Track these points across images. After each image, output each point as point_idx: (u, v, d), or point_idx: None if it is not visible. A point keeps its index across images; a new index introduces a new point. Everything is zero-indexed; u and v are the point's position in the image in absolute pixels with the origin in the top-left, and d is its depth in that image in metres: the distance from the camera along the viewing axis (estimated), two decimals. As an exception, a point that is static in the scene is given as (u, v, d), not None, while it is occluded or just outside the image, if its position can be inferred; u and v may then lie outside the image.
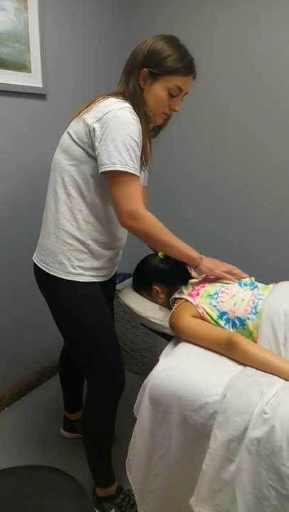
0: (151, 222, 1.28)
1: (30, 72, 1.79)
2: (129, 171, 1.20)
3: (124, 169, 1.20)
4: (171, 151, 2.26)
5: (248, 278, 1.46)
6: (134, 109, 1.25)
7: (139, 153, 1.25)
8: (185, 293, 1.43)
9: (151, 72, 1.26)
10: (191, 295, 1.40)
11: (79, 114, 1.31)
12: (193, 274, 1.61)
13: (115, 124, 1.19)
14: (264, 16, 1.85)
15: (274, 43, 1.86)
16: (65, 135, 1.33)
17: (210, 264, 1.43)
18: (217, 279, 1.44)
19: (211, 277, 1.48)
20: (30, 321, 2.13)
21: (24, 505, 0.93)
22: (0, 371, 2.07)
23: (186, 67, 1.28)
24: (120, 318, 2.30)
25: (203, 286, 1.42)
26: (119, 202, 1.24)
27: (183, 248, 1.37)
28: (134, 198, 1.24)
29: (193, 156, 2.24)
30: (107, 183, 1.26)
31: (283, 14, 1.81)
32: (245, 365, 1.18)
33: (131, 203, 1.24)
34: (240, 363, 1.19)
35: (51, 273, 1.37)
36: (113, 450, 1.53)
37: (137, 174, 1.24)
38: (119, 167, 1.19)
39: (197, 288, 1.42)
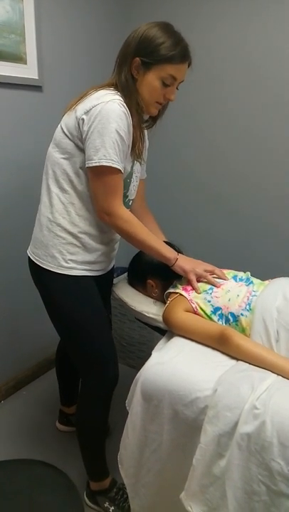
0: (126, 220, 1.29)
1: (25, 63, 1.77)
2: (113, 165, 1.20)
3: (108, 164, 1.19)
4: (170, 145, 2.25)
5: (243, 273, 1.45)
6: (126, 101, 1.23)
7: (123, 148, 1.24)
8: (180, 287, 1.42)
9: (143, 61, 1.23)
10: (185, 289, 1.39)
11: (71, 107, 1.29)
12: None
13: (102, 117, 1.18)
14: (265, 11, 1.83)
15: (275, 37, 1.83)
16: (58, 128, 1.32)
17: (186, 265, 1.40)
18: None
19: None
20: (27, 314, 2.12)
21: (13, 499, 0.93)
22: (-4, 364, 2.07)
23: (180, 54, 1.23)
24: (117, 312, 2.29)
25: (198, 281, 1.40)
26: (97, 196, 1.27)
27: (158, 248, 1.37)
28: (112, 194, 1.26)
29: (194, 151, 2.22)
30: (89, 175, 1.26)
31: (284, 9, 1.78)
32: (237, 359, 1.18)
33: (107, 199, 1.26)
34: (232, 358, 1.19)
35: (44, 266, 1.36)
36: (107, 444, 1.53)
37: (120, 168, 1.23)
38: (104, 162, 1.19)
39: None
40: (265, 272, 1.51)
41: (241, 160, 2.08)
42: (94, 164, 1.20)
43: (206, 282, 1.40)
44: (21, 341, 2.15)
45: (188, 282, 1.41)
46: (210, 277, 1.40)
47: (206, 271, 1.42)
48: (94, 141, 1.19)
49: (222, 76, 2.02)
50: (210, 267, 1.44)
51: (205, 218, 2.27)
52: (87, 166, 1.22)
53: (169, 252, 1.39)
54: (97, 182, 1.25)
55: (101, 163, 1.19)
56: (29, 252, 1.45)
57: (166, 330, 1.40)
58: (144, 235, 1.34)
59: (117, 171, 1.23)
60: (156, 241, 1.37)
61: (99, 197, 1.26)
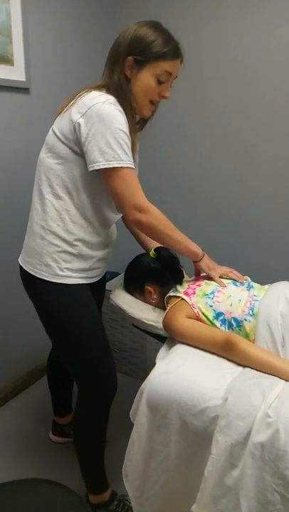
0: (157, 215, 1.27)
1: (12, 65, 1.71)
2: (125, 165, 1.17)
3: (120, 165, 1.17)
4: (161, 150, 2.21)
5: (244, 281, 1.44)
6: (119, 102, 1.21)
7: (130, 145, 1.22)
8: (181, 291, 1.39)
9: (136, 59, 1.22)
10: (186, 293, 1.37)
11: (62, 110, 1.26)
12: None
13: (102, 118, 1.15)
14: (254, 13, 1.83)
15: (264, 39, 1.83)
16: (50, 132, 1.28)
17: (209, 263, 1.44)
18: (210, 278, 1.42)
19: (204, 275, 1.45)
20: (16, 322, 2.06)
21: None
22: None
23: (173, 50, 1.23)
24: (108, 318, 2.25)
25: (199, 285, 1.39)
26: (124, 196, 1.22)
27: (186, 243, 1.37)
28: (137, 191, 1.23)
29: (184, 155, 2.19)
30: (101, 180, 1.22)
31: (273, 9, 1.79)
32: (244, 366, 1.16)
33: (135, 196, 1.22)
34: (238, 365, 1.17)
35: (38, 276, 1.31)
36: (105, 454, 1.49)
37: (133, 167, 1.21)
38: (114, 164, 1.16)
39: (193, 286, 1.39)
40: (260, 277, 1.50)
41: (235, 164, 2.06)
42: (103, 166, 1.16)
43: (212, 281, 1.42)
44: (10, 350, 2.09)
45: (193, 282, 1.42)
46: (232, 274, 1.44)
47: (221, 273, 1.45)
48: (98, 142, 1.15)
49: (210, 79, 2.01)
50: (227, 270, 1.47)
51: (198, 224, 2.24)
52: (92, 168, 1.18)
53: (196, 248, 1.39)
54: (116, 182, 1.20)
55: (112, 165, 1.16)
56: (21, 261, 1.40)
57: (167, 337, 1.38)
58: (173, 230, 1.32)
59: (131, 168, 1.20)
60: (183, 236, 1.35)
61: (125, 196, 1.22)
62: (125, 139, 1.18)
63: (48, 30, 1.86)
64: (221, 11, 1.90)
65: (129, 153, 1.20)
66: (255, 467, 0.98)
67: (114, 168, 1.17)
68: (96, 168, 1.17)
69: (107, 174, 1.20)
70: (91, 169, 1.18)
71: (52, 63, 1.91)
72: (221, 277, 1.43)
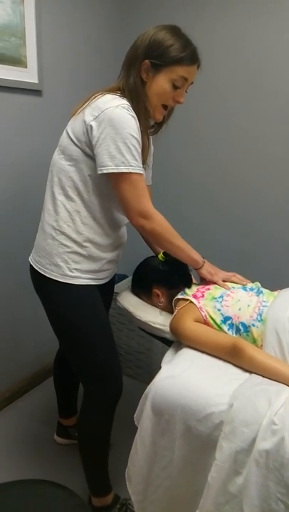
0: (161, 222, 1.28)
1: (25, 67, 1.73)
2: (133, 171, 1.18)
3: (128, 171, 1.17)
4: (169, 153, 2.22)
5: (252, 283, 1.43)
6: (134, 105, 1.22)
7: (140, 150, 1.22)
8: (189, 294, 1.39)
9: (153, 63, 1.22)
10: (195, 296, 1.36)
11: (76, 111, 1.26)
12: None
13: (114, 122, 1.15)
14: (264, 17, 1.82)
15: (274, 43, 1.83)
16: (64, 134, 1.29)
17: (211, 269, 1.44)
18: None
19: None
20: (24, 322, 2.07)
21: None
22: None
23: (190, 56, 1.23)
24: (115, 321, 2.25)
25: (208, 289, 1.38)
26: (129, 201, 1.22)
27: (188, 250, 1.37)
28: (143, 197, 1.23)
29: (193, 158, 2.20)
30: (110, 184, 1.23)
31: (283, 14, 1.78)
32: (250, 372, 1.15)
33: (141, 202, 1.23)
34: (245, 371, 1.16)
35: (47, 275, 1.32)
36: (109, 457, 1.48)
37: (142, 172, 1.21)
38: (123, 169, 1.17)
39: (202, 290, 1.39)
40: (270, 283, 1.49)
41: (243, 167, 2.06)
42: (112, 170, 1.17)
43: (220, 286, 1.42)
44: (17, 350, 2.10)
45: (202, 286, 1.42)
46: (235, 278, 1.44)
47: (224, 278, 1.45)
48: (108, 147, 1.15)
49: (222, 80, 2.00)
50: (229, 274, 1.47)
51: (207, 228, 2.24)
52: (101, 171, 1.18)
53: (197, 255, 1.40)
54: (123, 187, 1.21)
55: (120, 170, 1.16)
56: (31, 261, 1.40)
57: (173, 341, 1.37)
58: (175, 237, 1.33)
59: (139, 174, 1.21)
60: (185, 243, 1.36)
61: (131, 201, 1.22)
62: (135, 145, 1.18)
63: (62, 33, 1.88)
64: (232, 13, 1.90)
65: (139, 158, 1.20)
66: (259, 475, 0.97)
67: (122, 173, 1.18)
68: (104, 171, 1.18)
69: (115, 178, 1.20)
70: (100, 172, 1.19)
71: (64, 66, 1.93)
72: (225, 281, 1.43)
